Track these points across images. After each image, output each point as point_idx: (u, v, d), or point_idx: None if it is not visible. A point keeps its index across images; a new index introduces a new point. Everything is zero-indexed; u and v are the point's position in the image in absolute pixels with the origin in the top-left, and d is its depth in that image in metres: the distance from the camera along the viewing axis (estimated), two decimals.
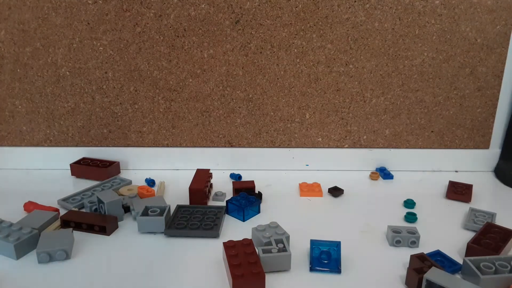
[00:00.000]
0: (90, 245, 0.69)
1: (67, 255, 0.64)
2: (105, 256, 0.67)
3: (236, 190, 0.87)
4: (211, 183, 0.89)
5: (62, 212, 0.79)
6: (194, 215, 0.76)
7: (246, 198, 0.81)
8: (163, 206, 0.75)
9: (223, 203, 0.84)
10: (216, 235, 0.71)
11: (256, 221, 0.78)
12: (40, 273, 0.62)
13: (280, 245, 0.64)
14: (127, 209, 0.79)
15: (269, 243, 0.64)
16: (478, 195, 0.89)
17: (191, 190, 0.80)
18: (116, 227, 0.74)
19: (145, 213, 0.74)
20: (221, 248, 0.68)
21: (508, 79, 0.95)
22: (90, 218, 0.73)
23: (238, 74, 0.94)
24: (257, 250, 0.63)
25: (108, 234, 0.72)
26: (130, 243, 0.70)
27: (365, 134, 0.99)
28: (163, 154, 1.00)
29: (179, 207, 0.79)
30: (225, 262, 0.62)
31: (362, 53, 0.92)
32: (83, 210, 0.80)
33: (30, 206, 0.80)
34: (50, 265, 0.64)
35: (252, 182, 0.89)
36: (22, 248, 0.66)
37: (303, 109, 0.97)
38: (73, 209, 0.78)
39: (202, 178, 0.84)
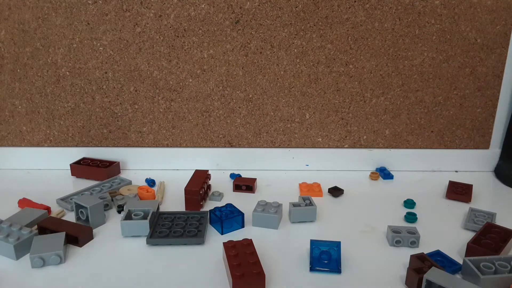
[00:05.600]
0: (85, 248, 0.69)
1: (61, 260, 0.64)
2: (105, 257, 0.67)
3: (236, 186, 0.89)
4: (209, 184, 0.89)
5: (59, 210, 0.79)
6: (176, 222, 0.74)
7: (230, 210, 0.76)
8: (146, 209, 0.74)
9: (220, 203, 0.84)
10: (201, 242, 0.70)
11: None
12: (39, 273, 0.62)
13: (307, 201, 0.78)
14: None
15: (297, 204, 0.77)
16: (478, 195, 0.89)
17: (187, 191, 0.80)
18: (91, 238, 0.71)
19: (128, 216, 0.73)
20: (220, 248, 0.68)
21: (508, 79, 0.95)
22: (66, 227, 0.70)
23: (238, 74, 0.94)
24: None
25: (81, 246, 0.69)
26: (129, 246, 0.70)
27: (365, 134, 0.99)
28: (163, 154, 1.00)
29: (160, 214, 0.76)
30: (225, 262, 0.62)
31: (362, 53, 0.92)
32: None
33: (23, 203, 0.81)
34: (49, 266, 0.64)
35: (254, 179, 0.90)
36: (22, 248, 0.66)
37: (303, 109, 0.97)
38: (55, 215, 0.78)
39: (199, 179, 0.83)
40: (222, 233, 0.73)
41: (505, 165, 0.98)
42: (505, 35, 0.91)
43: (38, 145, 1.00)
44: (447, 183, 0.94)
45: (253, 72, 0.94)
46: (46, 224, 0.71)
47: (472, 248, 0.65)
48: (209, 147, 1.00)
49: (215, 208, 0.76)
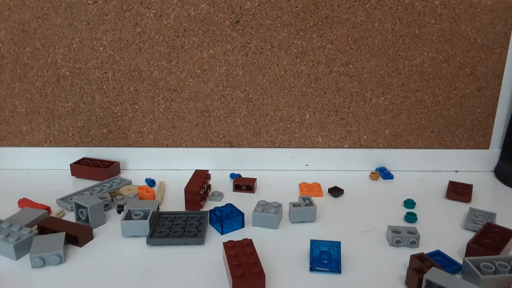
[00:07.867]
0: (85, 248, 0.69)
1: (61, 260, 0.64)
2: (105, 257, 0.67)
3: (236, 186, 0.89)
4: (209, 184, 0.89)
5: (59, 210, 0.79)
6: (176, 222, 0.74)
7: (230, 210, 0.76)
8: (146, 209, 0.74)
9: (220, 203, 0.84)
10: (201, 242, 0.69)
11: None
12: (39, 273, 0.62)
13: (307, 201, 0.78)
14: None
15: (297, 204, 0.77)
16: (478, 195, 0.89)
17: (187, 191, 0.80)
18: (91, 238, 0.71)
19: (128, 216, 0.73)
20: (220, 248, 0.68)
21: (508, 79, 0.95)
22: (66, 227, 0.70)
23: (238, 74, 0.94)
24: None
25: (81, 246, 0.69)
26: (129, 246, 0.70)
27: (365, 134, 0.99)
28: (163, 154, 1.00)
29: (160, 214, 0.76)
30: (225, 262, 0.62)
31: (362, 53, 0.92)
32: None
33: (23, 203, 0.81)
34: (49, 266, 0.64)
35: (254, 179, 0.90)
36: (22, 248, 0.66)
37: (303, 109, 0.97)
38: (56, 215, 0.78)
39: (199, 179, 0.83)
40: (222, 233, 0.73)
41: (505, 165, 0.98)
42: (505, 35, 0.91)
43: (38, 145, 1.00)
44: (447, 183, 0.94)
45: (253, 72, 0.94)
46: (46, 224, 0.71)
47: (472, 248, 0.65)
48: (209, 147, 1.00)
49: (215, 208, 0.76)
